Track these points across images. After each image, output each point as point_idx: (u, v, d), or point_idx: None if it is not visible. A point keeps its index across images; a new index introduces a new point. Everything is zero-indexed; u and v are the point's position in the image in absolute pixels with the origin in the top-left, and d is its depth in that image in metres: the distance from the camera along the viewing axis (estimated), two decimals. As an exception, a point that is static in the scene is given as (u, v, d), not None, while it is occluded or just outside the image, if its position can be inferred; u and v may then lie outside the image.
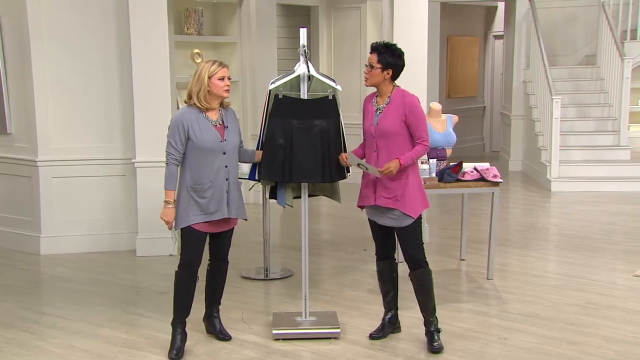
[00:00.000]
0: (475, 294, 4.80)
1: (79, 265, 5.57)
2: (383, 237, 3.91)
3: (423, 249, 3.84)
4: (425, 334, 3.87)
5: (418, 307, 3.87)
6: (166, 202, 3.72)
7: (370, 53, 3.73)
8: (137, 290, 4.97)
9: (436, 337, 3.81)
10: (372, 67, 3.70)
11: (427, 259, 3.85)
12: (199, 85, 3.67)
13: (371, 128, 3.75)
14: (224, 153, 3.72)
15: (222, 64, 3.71)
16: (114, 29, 5.74)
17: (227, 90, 3.71)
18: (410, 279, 3.87)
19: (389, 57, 3.68)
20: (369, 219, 3.92)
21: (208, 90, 3.67)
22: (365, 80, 3.76)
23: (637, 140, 9.94)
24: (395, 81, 3.76)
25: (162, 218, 3.74)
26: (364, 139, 3.89)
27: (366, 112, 3.82)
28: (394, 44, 3.76)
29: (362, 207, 3.94)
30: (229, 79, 3.72)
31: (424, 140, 3.72)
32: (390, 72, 3.70)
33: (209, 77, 3.66)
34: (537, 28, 9.52)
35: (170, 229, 3.77)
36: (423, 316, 3.87)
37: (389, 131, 3.69)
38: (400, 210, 3.72)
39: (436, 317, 3.86)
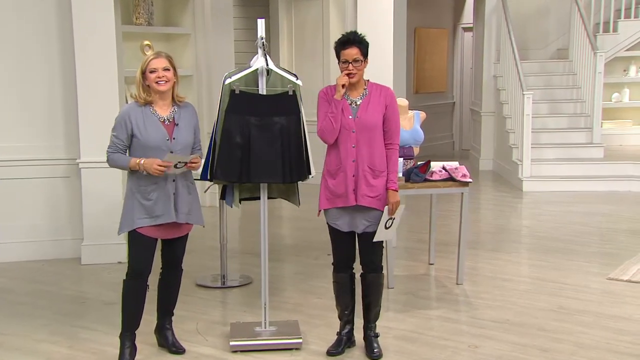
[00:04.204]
0: (445, 300, 4.86)
1: (18, 275, 5.46)
2: (348, 246, 3.88)
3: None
4: (364, 338, 3.96)
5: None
6: (138, 164, 3.60)
7: (349, 47, 3.66)
8: (82, 301, 4.90)
9: (375, 344, 3.90)
10: (359, 61, 3.68)
11: None
12: (137, 81, 3.69)
13: (350, 121, 3.72)
14: (171, 152, 3.68)
15: (157, 55, 3.69)
16: (55, 18, 5.64)
17: (159, 83, 3.65)
18: (365, 282, 3.91)
19: (366, 47, 3.71)
20: (332, 225, 3.84)
21: (147, 85, 3.67)
22: (352, 77, 3.69)
23: (611, 137, 10.18)
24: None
25: (153, 169, 3.57)
26: (331, 134, 3.73)
27: (338, 106, 3.71)
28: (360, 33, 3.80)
29: (323, 211, 3.86)
30: (165, 69, 3.65)
31: (396, 143, 3.80)
32: (367, 63, 3.74)
33: (143, 72, 3.66)
34: (508, 20, 9.70)
35: (167, 165, 3.59)
36: (365, 321, 3.95)
37: (373, 124, 3.72)
38: (381, 211, 3.74)
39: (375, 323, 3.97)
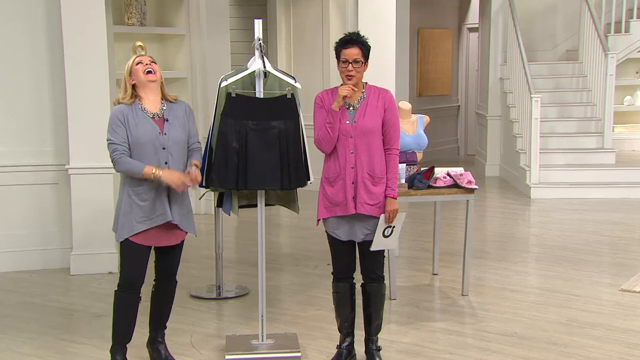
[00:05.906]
0: (449, 312, 4.86)
1: (4, 286, 5.45)
2: (348, 255, 3.90)
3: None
4: (366, 352, 3.96)
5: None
6: (154, 173, 3.61)
7: (350, 46, 3.67)
8: (71, 314, 4.89)
9: (377, 358, 3.91)
10: (359, 62, 3.68)
11: None
12: (124, 87, 3.74)
13: (348, 127, 3.73)
14: (164, 148, 3.69)
15: (138, 55, 3.78)
16: (43, 17, 5.65)
17: (150, 72, 3.71)
18: (366, 293, 3.92)
19: (368, 50, 3.72)
20: (331, 234, 3.86)
21: (134, 84, 3.72)
22: (350, 79, 3.70)
23: (623, 142, 10.20)
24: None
25: (174, 183, 3.62)
26: (328, 145, 3.76)
27: (336, 116, 3.73)
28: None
29: (322, 220, 3.88)
30: (152, 62, 3.74)
31: (395, 148, 3.80)
32: (367, 67, 3.76)
33: (129, 75, 3.72)
34: (515, 20, 9.72)
35: (192, 182, 3.67)
36: (367, 333, 3.96)
37: (371, 129, 3.72)
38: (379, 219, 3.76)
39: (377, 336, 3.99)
